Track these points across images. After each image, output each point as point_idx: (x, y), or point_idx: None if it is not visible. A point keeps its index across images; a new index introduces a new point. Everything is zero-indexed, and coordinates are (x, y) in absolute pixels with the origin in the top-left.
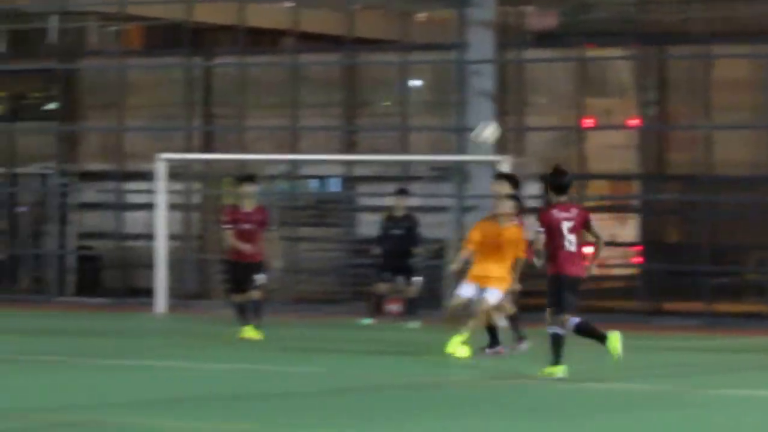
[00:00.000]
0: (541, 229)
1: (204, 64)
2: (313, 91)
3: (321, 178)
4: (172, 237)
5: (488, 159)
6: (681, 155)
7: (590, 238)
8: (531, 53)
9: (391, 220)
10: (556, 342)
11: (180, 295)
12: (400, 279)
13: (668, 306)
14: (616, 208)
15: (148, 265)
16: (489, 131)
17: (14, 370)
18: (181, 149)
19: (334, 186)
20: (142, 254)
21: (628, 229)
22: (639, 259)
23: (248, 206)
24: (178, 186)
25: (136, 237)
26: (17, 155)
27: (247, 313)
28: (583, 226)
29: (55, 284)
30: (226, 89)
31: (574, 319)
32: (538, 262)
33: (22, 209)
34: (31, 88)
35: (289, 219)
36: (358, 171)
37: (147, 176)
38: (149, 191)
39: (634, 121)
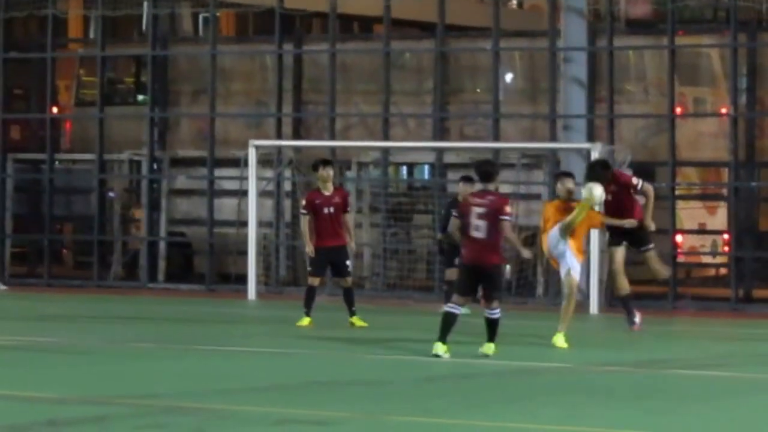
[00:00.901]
0: (456, 214)
1: (295, 50)
2: (405, 79)
3: (412, 165)
4: (264, 224)
5: (580, 146)
6: None
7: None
8: (623, 41)
9: (453, 206)
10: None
11: (271, 282)
12: None
13: (758, 293)
14: (706, 196)
15: (239, 251)
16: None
17: (112, 358)
18: (272, 136)
19: (423, 174)
20: (233, 241)
21: (719, 217)
22: (728, 247)
23: (327, 190)
24: (269, 173)
25: (228, 223)
26: (108, 141)
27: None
28: (499, 214)
29: (146, 271)
30: (317, 76)
31: (451, 306)
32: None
33: (111, 195)
34: (123, 74)
35: (380, 206)
36: (449, 158)
37: (238, 163)
38: (240, 178)
39: (725, 109)
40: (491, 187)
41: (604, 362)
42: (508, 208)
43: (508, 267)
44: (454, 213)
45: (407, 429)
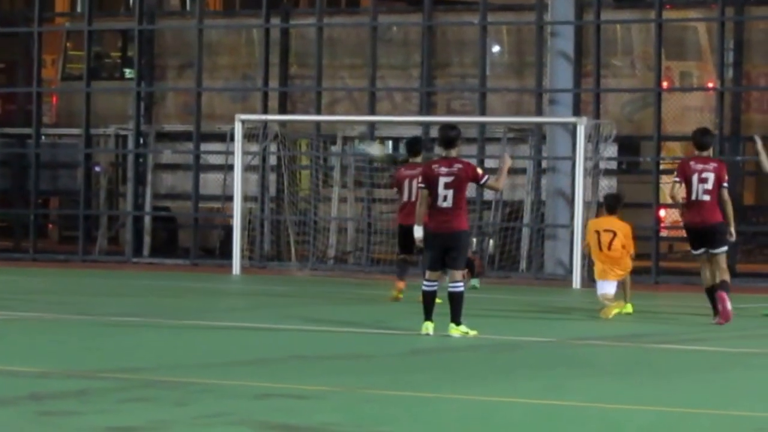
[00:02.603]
0: (422, 185)
1: (282, 24)
2: (391, 53)
3: (398, 139)
4: (249, 198)
5: (566, 120)
6: (758, 116)
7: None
8: (610, 15)
9: None
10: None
11: (256, 257)
12: None
13: (742, 268)
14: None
15: (224, 226)
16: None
17: (95, 332)
18: (258, 110)
19: None
20: (217, 215)
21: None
22: None
23: None
24: (255, 147)
25: (213, 198)
26: (95, 116)
27: None
28: (475, 181)
29: (131, 245)
30: (303, 50)
31: (427, 284)
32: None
33: (97, 169)
34: (110, 48)
35: (365, 180)
36: (436, 133)
37: (224, 137)
38: (226, 152)
39: (712, 83)
40: (453, 153)
41: (586, 336)
42: (479, 170)
43: (491, 241)
44: (419, 185)
45: (389, 402)
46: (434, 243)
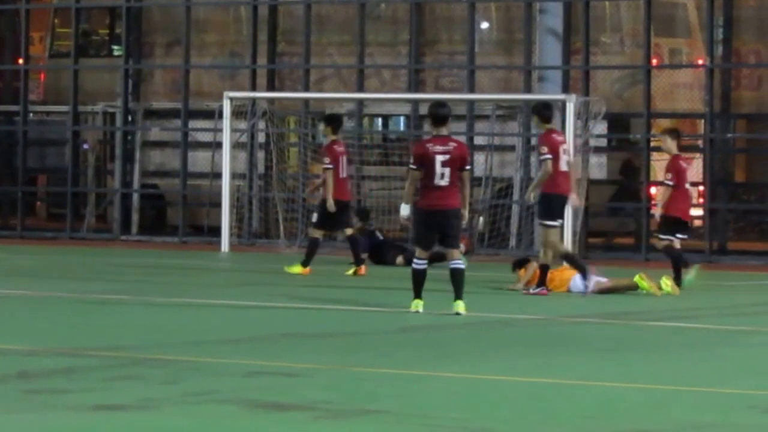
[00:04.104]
0: (415, 165)
1: (270, 2)
2: (380, 30)
3: (387, 116)
4: (237, 176)
5: (555, 98)
6: (748, 94)
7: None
8: None
9: None
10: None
11: (244, 234)
12: None
13: (733, 245)
14: (682, 147)
15: (213, 203)
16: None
17: (83, 310)
18: (246, 88)
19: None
20: (206, 193)
21: (693, 168)
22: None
23: None
24: (243, 125)
25: (201, 176)
26: (83, 93)
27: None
28: (464, 163)
29: (119, 223)
30: (292, 27)
31: (417, 262)
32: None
33: (85, 146)
34: (98, 25)
35: (353, 157)
36: (424, 110)
37: (212, 115)
38: (214, 130)
39: (701, 60)
40: (445, 131)
41: (576, 314)
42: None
43: (481, 219)
44: (410, 166)
45: (378, 380)
46: (430, 222)
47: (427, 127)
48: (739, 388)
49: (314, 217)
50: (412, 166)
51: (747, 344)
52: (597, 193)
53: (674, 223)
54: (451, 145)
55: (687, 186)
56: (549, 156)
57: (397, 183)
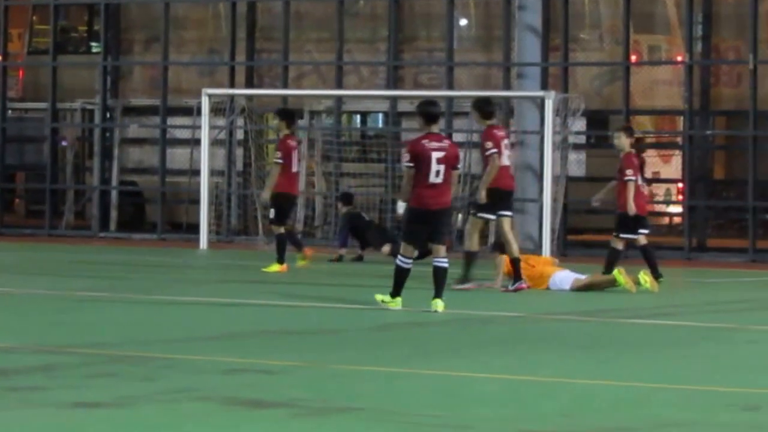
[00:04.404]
0: (411, 163)
1: None
2: (358, 26)
3: (365, 113)
4: (216, 173)
5: (534, 95)
6: (727, 91)
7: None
8: None
9: None
10: (399, 273)
11: (223, 231)
12: None
13: (712, 242)
14: (661, 144)
15: (191, 200)
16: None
17: (62, 307)
18: (224, 84)
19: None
20: (185, 190)
21: (673, 165)
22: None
23: None
24: (222, 121)
25: (180, 172)
26: (61, 90)
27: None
28: (455, 162)
29: (98, 220)
30: (270, 24)
31: (405, 258)
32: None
33: (64, 143)
34: (76, 22)
35: (332, 154)
36: (403, 107)
37: (190, 111)
38: (193, 126)
39: (681, 57)
40: (436, 129)
41: (555, 311)
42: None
43: (459, 216)
44: (406, 164)
45: (356, 377)
46: (424, 219)
47: (405, 124)
48: (719, 386)
49: (271, 214)
50: (408, 164)
51: (726, 342)
52: (576, 190)
53: (633, 219)
54: (446, 142)
55: (640, 182)
56: (495, 150)
57: (375, 180)
